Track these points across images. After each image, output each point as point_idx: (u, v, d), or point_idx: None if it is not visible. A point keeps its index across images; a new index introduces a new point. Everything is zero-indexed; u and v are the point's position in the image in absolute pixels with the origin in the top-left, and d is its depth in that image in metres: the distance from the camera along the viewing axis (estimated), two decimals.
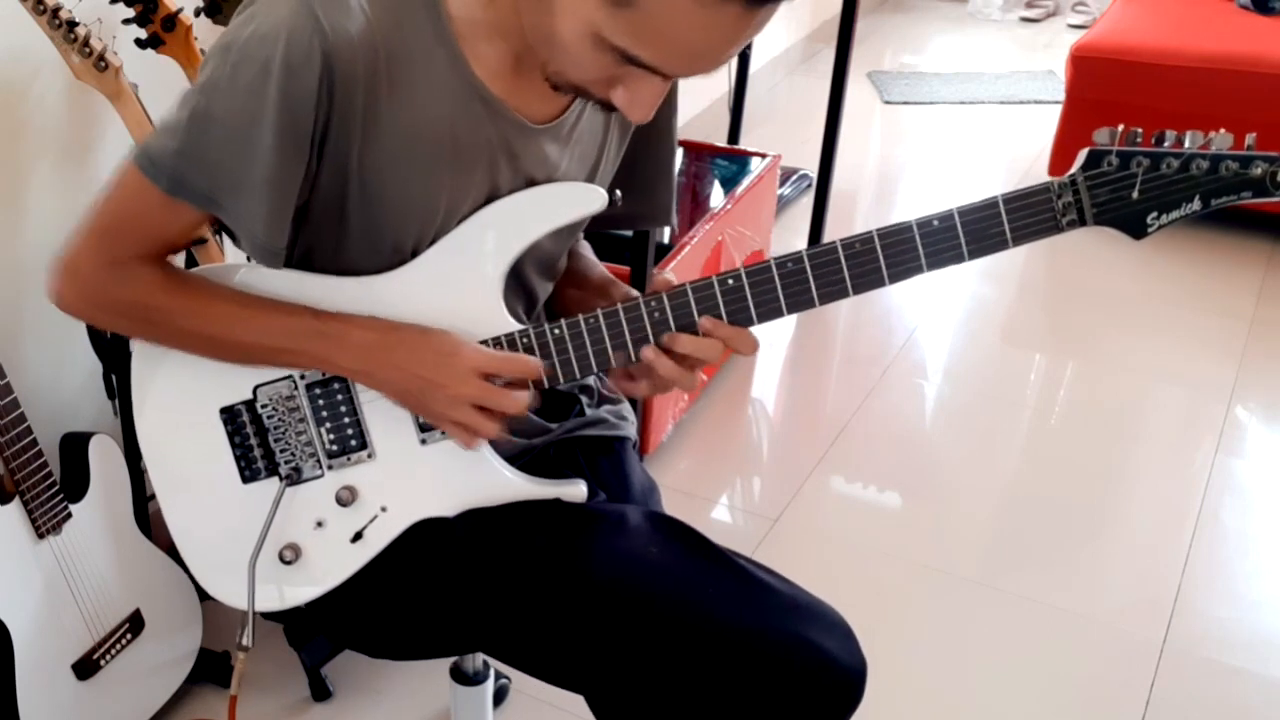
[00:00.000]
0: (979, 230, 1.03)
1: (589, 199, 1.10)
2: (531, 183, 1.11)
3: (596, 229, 1.26)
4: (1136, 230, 1.02)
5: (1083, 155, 1.01)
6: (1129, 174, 1.00)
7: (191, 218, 1.05)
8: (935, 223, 1.03)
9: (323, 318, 1.08)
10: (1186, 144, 1.00)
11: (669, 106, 1.23)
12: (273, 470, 1.16)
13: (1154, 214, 1.01)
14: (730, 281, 1.05)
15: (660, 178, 1.27)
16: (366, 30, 0.97)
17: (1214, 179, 1.00)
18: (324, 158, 1.02)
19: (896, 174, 3.82)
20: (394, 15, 0.99)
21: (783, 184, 3.43)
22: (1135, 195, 1.01)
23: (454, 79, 1.03)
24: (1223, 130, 1.00)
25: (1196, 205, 1.01)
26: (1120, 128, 1.00)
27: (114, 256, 1.07)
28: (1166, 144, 1.00)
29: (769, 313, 1.06)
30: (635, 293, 1.14)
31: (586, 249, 1.34)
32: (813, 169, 3.09)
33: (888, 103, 4.32)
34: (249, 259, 1.12)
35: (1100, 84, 3.29)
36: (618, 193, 1.15)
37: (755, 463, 2.46)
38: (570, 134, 1.12)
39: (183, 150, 1.00)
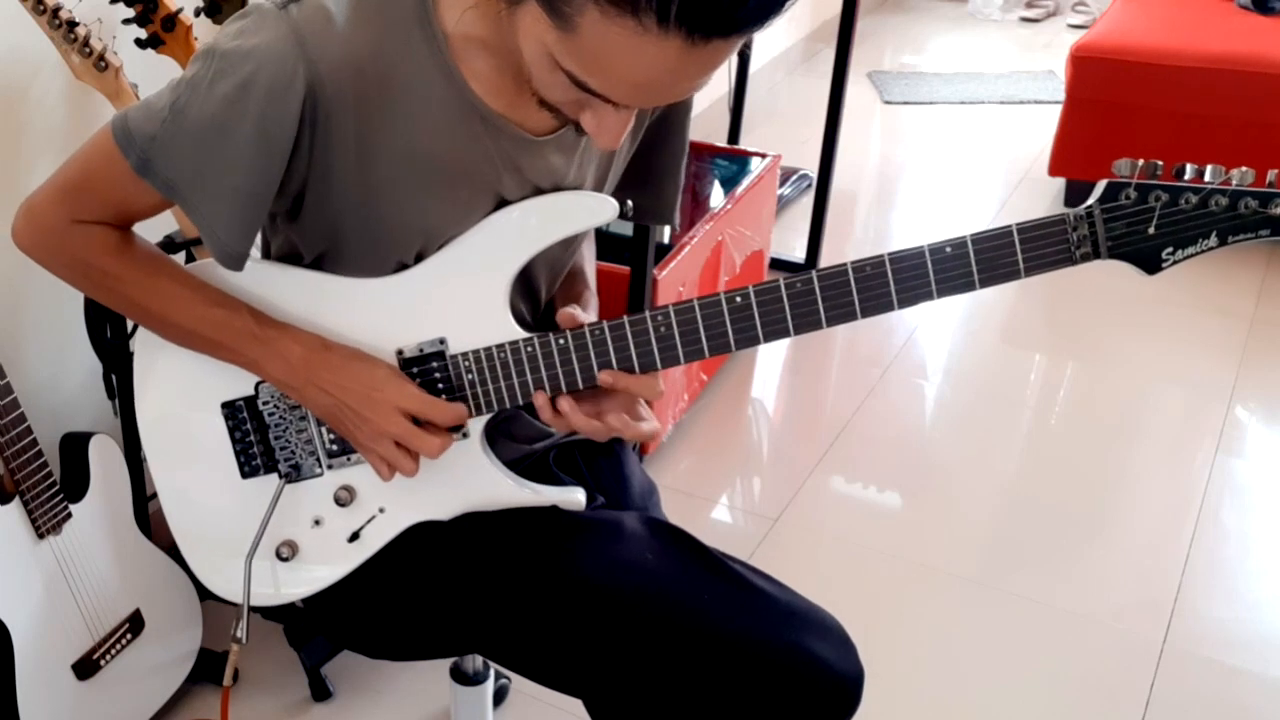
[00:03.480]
0: (992, 259, 1.00)
1: (599, 210, 1.09)
2: (538, 193, 1.10)
3: None
4: (1151, 265, 1.00)
5: (1100, 187, 0.99)
6: (1146, 208, 0.98)
7: (154, 198, 1.06)
8: (948, 249, 1.01)
9: (261, 321, 1.09)
10: (1207, 178, 0.97)
11: (684, 105, 1.21)
12: (272, 467, 1.16)
13: (1169, 249, 0.99)
14: (738, 300, 1.04)
15: (668, 175, 1.26)
16: (356, 54, 0.97)
17: (1233, 216, 0.97)
18: (310, 179, 1.03)
19: (896, 174, 3.82)
20: (386, 36, 0.99)
21: (783, 184, 3.43)
22: (1152, 230, 0.98)
23: (451, 97, 1.02)
24: (1244, 167, 0.97)
25: (1213, 242, 0.98)
26: (1141, 161, 0.98)
27: (75, 214, 1.08)
28: (1187, 177, 0.98)
29: (775, 333, 1.04)
30: (584, 315, 1.12)
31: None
32: (813, 169, 3.08)
33: (888, 103, 4.32)
34: (269, 254, 1.11)
35: (1100, 84, 3.29)
36: (629, 203, 1.15)
37: (755, 463, 2.46)
38: (577, 141, 1.11)
39: (157, 137, 1.01)
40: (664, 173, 1.25)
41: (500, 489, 1.14)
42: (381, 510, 1.15)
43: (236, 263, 1.06)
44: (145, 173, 1.02)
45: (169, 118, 1.00)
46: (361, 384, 1.07)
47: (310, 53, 0.95)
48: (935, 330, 2.90)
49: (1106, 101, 3.29)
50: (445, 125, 1.03)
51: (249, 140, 0.97)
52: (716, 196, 2.58)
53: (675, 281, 2.24)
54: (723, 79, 3.12)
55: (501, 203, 1.09)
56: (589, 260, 1.31)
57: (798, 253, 3.08)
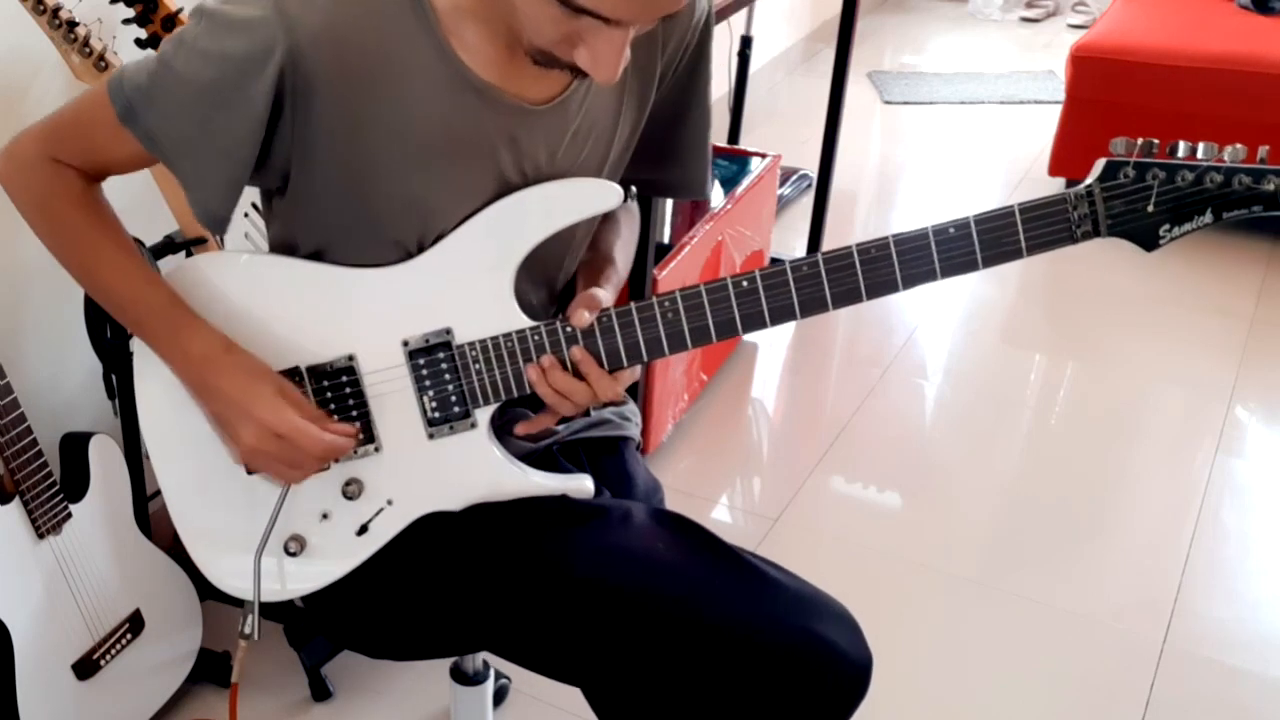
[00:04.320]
0: (994, 239, 1.03)
1: (604, 196, 1.10)
2: (536, 166, 1.10)
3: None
4: (1149, 242, 1.03)
5: (1099, 166, 1.02)
6: (1144, 186, 1.01)
7: (133, 149, 1.07)
8: (951, 230, 1.03)
9: (176, 305, 1.10)
10: (1200, 155, 1.00)
11: (702, 77, 1.22)
12: None
13: (1166, 226, 1.02)
14: (745, 284, 1.06)
15: (695, 148, 1.26)
16: (339, 27, 0.98)
17: (1227, 192, 1.01)
18: (294, 154, 1.03)
19: (896, 174, 3.82)
20: (377, 12, 1.00)
21: (783, 184, 3.43)
22: (1150, 208, 1.02)
23: (444, 73, 1.03)
24: (1237, 144, 1.01)
25: (1208, 218, 1.02)
26: (1138, 140, 1.01)
27: (54, 151, 1.11)
28: (1180, 155, 1.01)
29: (782, 313, 1.06)
30: (605, 296, 1.14)
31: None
32: (813, 169, 3.09)
33: (888, 103, 4.32)
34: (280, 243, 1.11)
35: (1100, 84, 3.29)
36: (633, 190, 1.15)
37: (755, 462, 2.46)
38: (579, 109, 1.11)
39: (145, 88, 1.03)
40: (690, 148, 1.26)
41: (508, 478, 1.14)
42: (390, 503, 1.15)
43: (217, 225, 1.07)
44: (128, 120, 1.04)
45: (157, 69, 1.02)
46: (242, 395, 1.07)
47: (290, 23, 0.97)
48: (935, 330, 2.90)
49: (1106, 101, 3.29)
50: (439, 101, 1.03)
51: (226, 104, 0.99)
52: (716, 196, 2.58)
53: (675, 281, 2.24)
54: (723, 79, 3.12)
55: (500, 177, 1.09)
56: (623, 235, 1.30)
57: (798, 253, 3.08)
